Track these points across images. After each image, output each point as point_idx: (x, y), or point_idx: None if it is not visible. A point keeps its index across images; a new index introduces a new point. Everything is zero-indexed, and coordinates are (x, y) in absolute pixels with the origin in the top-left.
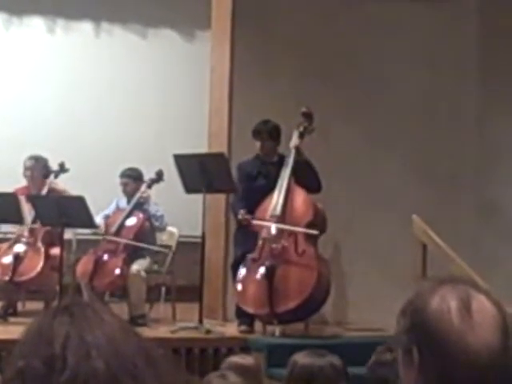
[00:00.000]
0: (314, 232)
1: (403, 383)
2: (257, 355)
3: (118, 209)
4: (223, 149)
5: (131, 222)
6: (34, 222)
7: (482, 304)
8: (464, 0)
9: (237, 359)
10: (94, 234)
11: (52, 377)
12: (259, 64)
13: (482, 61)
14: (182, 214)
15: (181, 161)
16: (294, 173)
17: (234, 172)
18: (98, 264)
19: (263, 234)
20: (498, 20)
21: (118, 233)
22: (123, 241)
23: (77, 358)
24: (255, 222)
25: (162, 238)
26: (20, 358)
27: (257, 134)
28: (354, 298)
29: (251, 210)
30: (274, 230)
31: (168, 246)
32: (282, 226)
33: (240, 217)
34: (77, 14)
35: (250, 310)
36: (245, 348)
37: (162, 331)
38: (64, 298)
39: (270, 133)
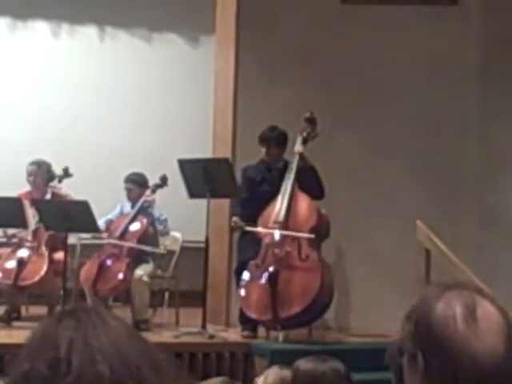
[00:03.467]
0: (311, 236)
1: None
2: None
3: (122, 214)
4: (227, 153)
5: (135, 227)
6: (37, 226)
7: (487, 310)
8: (466, 6)
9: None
10: (94, 237)
11: (56, 380)
12: (263, 69)
13: (484, 67)
14: (185, 218)
15: (185, 166)
16: (298, 178)
17: (238, 176)
18: (102, 269)
19: (267, 239)
20: (500, 26)
21: (121, 237)
22: (126, 244)
23: (81, 361)
24: (248, 228)
25: (166, 242)
26: (25, 362)
27: (264, 140)
28: (357, 303)
29: (255, 216)
30: (277, 236)
31: (171, 251)
32: (283, 232)
33: (232, 224)
34: (81, 19)
35: (253, 315)
36: (248, 353)
37: (166, 336)
38: (69, 303)
39: (277, 140)
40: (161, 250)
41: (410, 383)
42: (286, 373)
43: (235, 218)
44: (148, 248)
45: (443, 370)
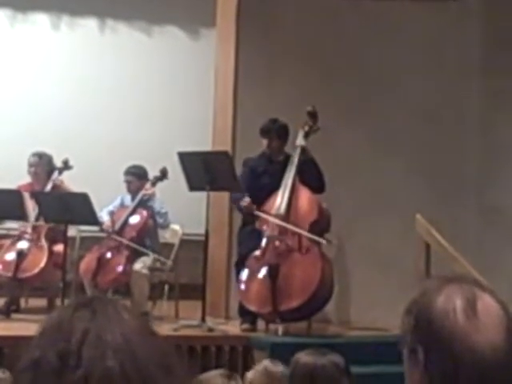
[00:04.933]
0: (322, 240)
1: (408, 382)
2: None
3: (123, 206)
4: (228, 147)
5: (135, 219)
6: (37, 218)
7: (487, 303)
8: (467, 1)
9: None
10: (101, 231)
11: (65, 372)
12: (264, 62)
13: (485, 62)
14: (185, 211)
15: (185, 158)
16: (299, 171)
17: (239, 169)
18: (102, 261)
19: (267, 232)
20: (501, 21)
21: (121, 230)
22: (125, 241)
23: (92, 356)
24: (258, 212)
25: (166, 235)
26: (36, 349)
27: (265, 132)
28: (357, 297)
29: (256, 208)
30: (277, 229)
31: (171, 244)
32: (287, 225)
33: (245, 203)
34: (81, 11)
35: (253, 308)
36: (247, 347)
37: (165, 329)
38: (69, 295)
39: (278, 132)
40: (157, 256)
41: (410, 377)
42: (277, 368)
43: (247, 199)
44: (144, 250)
45: (443, 364)
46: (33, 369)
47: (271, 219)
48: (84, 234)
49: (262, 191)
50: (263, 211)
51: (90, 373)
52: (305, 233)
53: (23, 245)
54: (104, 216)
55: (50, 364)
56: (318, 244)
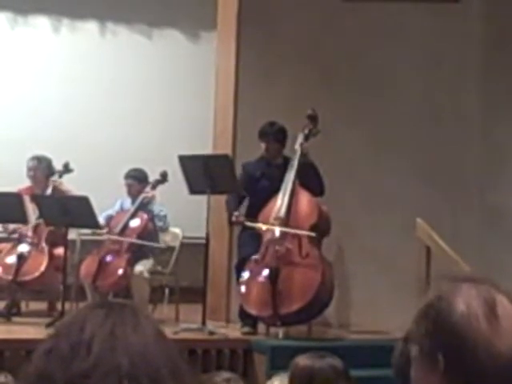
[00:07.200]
0: (312, 234)
1: None
2: None
3: (122, 209)
4: (228, 150)
5: (135, 222)
6: (37, 222)
7: (506, 307)
8: (467, 2)
9: None
10: (94, 233)
11: (74, 362)
12: (264, 65)
13: (485, 63)
14: (186, 214)
15: (185, 162)
16: (299, 175)
17: (239, 172)
18: (102, 264)
19: (267, 236)
20: (501, 22)
21: (121, 233)
22: (126, 239)
23: (102, 349)
24: (248, 223)
25: (166, 238)
26: (51, 340)
27: (263, 135)
28: (357, 300)
29: (255, 211)
30: (277, 232)
31: (172, 247)
32: (283, 228)
33: (234, 219)
34: (82, 14)
35: (253, 311)
36: (248, 350)
37: (165, 332)
38: (69, 299)
39: (275, 135)
40: (161, 245)
41: (424, 382)
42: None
43: (237, 213)
44: (149, 243)
45: (466, 370)
46: (46, 356)
47: (264, 227)
48: (84, 238)
49: (261, 195)
50: (263, 215)
51: (98, 365)
52: (304, 232)
53: (24, 248)
54: (100, 220)
55: (61, 353)
56: (318, 247)
